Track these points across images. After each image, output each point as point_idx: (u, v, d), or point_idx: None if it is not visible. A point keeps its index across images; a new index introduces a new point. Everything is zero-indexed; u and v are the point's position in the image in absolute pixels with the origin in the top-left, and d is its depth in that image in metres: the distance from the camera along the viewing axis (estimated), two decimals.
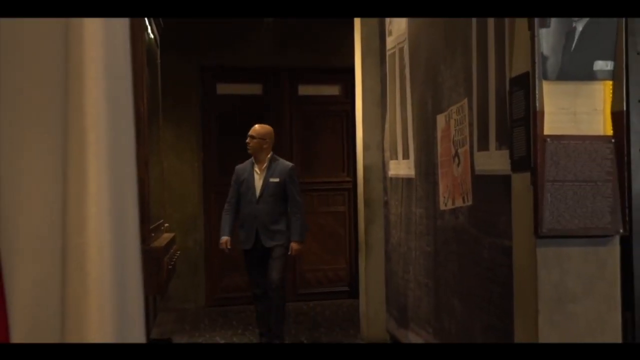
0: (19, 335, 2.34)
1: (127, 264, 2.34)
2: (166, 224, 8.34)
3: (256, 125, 8.23)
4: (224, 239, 8.18)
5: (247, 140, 8.12)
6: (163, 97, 9.04)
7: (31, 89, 2.40)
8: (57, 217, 2.32)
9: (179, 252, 8.26)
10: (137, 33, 6.17)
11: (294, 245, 8.06)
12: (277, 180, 7.99)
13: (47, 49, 2.41)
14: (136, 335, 2.37)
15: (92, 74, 2.29)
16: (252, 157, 8.14)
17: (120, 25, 2.41)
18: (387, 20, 7.95)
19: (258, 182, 8.03)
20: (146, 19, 6.48)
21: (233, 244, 8.26)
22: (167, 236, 7.45)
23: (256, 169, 8.08)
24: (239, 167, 8.28)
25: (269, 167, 8.04)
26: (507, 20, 4.52)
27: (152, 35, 7.40)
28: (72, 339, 2.26)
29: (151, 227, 6.61)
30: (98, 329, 2.25)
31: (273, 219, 8.00)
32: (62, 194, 2.29)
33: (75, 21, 2.31)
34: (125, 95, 2.42)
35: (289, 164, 8.28)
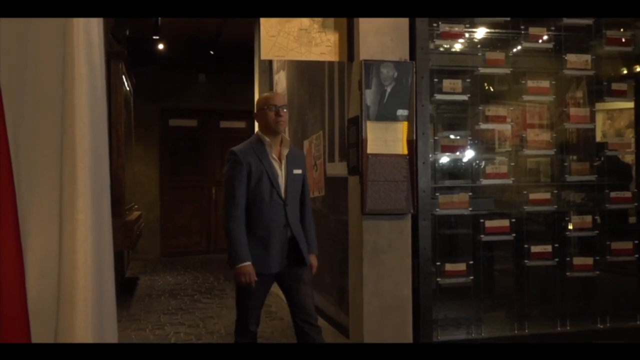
0: (33, 275, 2.23)
1: (103, 230, 2.28)
2: (136, 206, 8.10)
3: (271, 93, 3.73)
4: (247, 266, 3.23)
5: (281, 113, 3.38)
6: (135, 127, 8.79)
7: (41, 120, 2.32)
8: (57, 200, 2.23)
9: (143, 223, 8.03)
10: (117, 86, 5.96)
11: (312, 260, 3.60)
12: (299, 171, 3.47)
13: (49, 97, 2.31)
14: (107, 273, 2.29)
15: (81, 116, 2.21)
16: (261, 138, 3.43)
17: (99, 82, 2.33)
18: (274, 81, 7.90)
19: (281, 175, 3.41)
20: (123, 77, 6.23)
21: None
22: (136, 213, 7.23)
23: (273, 154, 3.41)
24: (242, 151, 3.45)
25: (288, 153, 3.46)
26: (346, 84, 4.52)
27: (127, 88, 7.14)
28: (65, 273, 2.18)
29: (126, 207, 6.39)
30: (84, 271, 2.20)
31: (301, 227, 3.51)
32: (60, 185, 2.21)
33: (67, 86, 2.23)
34: (102, 126, 2.35)
35: (299, 149, 4.20)
